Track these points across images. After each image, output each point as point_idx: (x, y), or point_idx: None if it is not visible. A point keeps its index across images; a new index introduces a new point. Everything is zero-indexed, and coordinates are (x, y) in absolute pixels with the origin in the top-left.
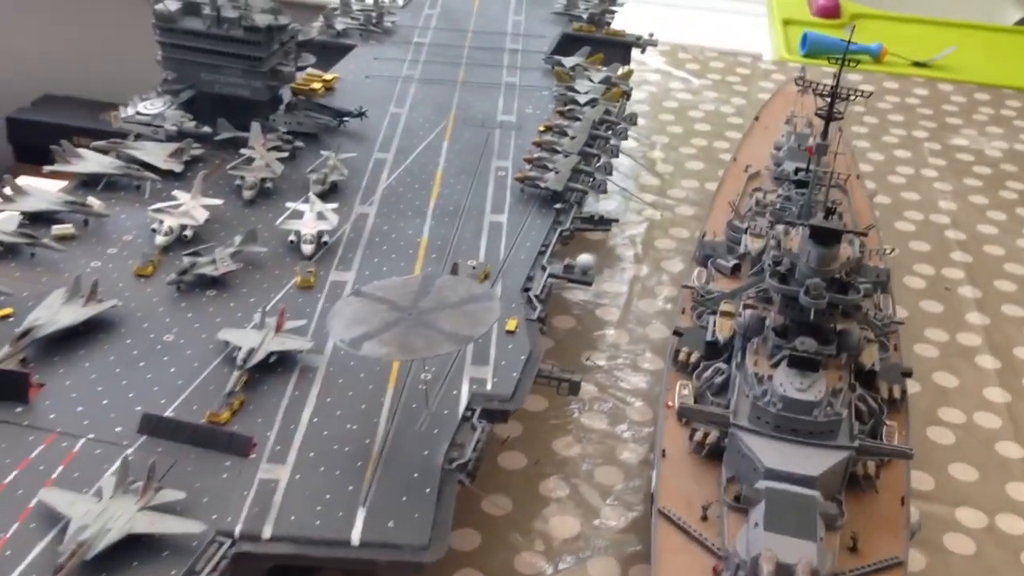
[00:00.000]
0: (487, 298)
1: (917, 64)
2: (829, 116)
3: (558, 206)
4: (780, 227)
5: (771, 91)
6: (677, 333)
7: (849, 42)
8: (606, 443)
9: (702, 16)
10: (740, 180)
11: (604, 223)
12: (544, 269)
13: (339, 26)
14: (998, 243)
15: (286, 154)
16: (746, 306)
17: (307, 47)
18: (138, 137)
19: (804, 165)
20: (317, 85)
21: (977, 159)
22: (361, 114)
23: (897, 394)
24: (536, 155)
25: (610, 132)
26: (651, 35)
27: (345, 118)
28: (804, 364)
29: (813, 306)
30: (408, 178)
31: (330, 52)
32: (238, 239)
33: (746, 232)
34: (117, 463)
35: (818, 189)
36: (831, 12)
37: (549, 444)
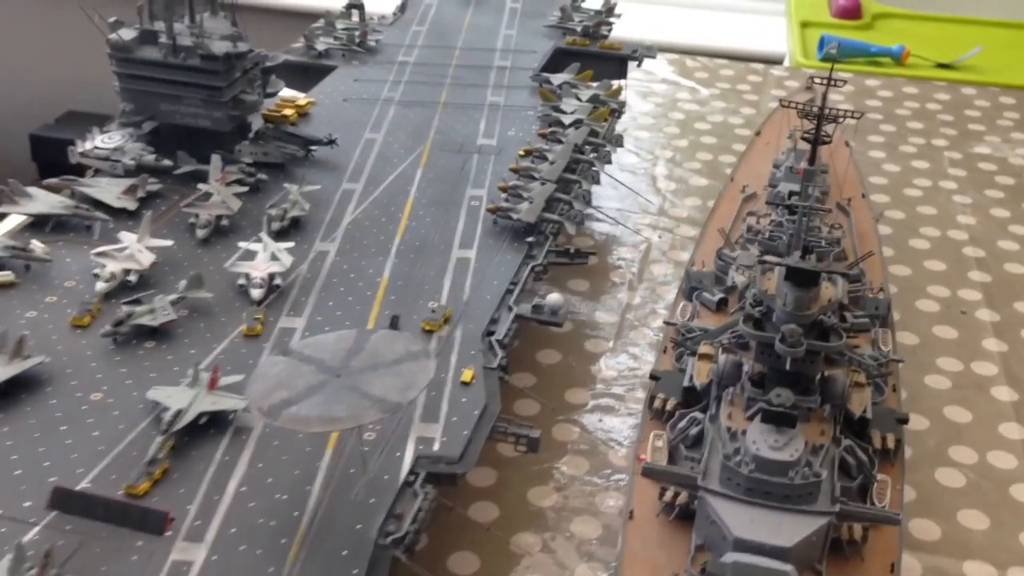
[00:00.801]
0: (423, 356)
1: (940, 66)
2: (816, 140)
3: (530, 239)
4: (758, 265)
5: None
6: (654, 377)
7: (830, 55)
8: (585, 492)
9: (716, 17)
10: (735, 203)
11: (580, 256)
12: (511, 310)
13: (320, 47)
14: (1019, 261)
15: (246, 188)
16: (724, 350)
17: (286, 70)
18: (96, 172)
19: (799, 188)
20: (289, 111)
21: (1000, 168)
22: (331, 142)
23: (891, 443)
24: (511, 183)
25: (595, 155)
26: (649, 47)
27: (313, 147)
28: (780, 419)
29: (790, 355)
30: (375, 211)
31: (311, 74)
32: (183, 284)
33: (734, 263)
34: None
35: (811, 216)
36: (852, 12)
37: (524, 494)
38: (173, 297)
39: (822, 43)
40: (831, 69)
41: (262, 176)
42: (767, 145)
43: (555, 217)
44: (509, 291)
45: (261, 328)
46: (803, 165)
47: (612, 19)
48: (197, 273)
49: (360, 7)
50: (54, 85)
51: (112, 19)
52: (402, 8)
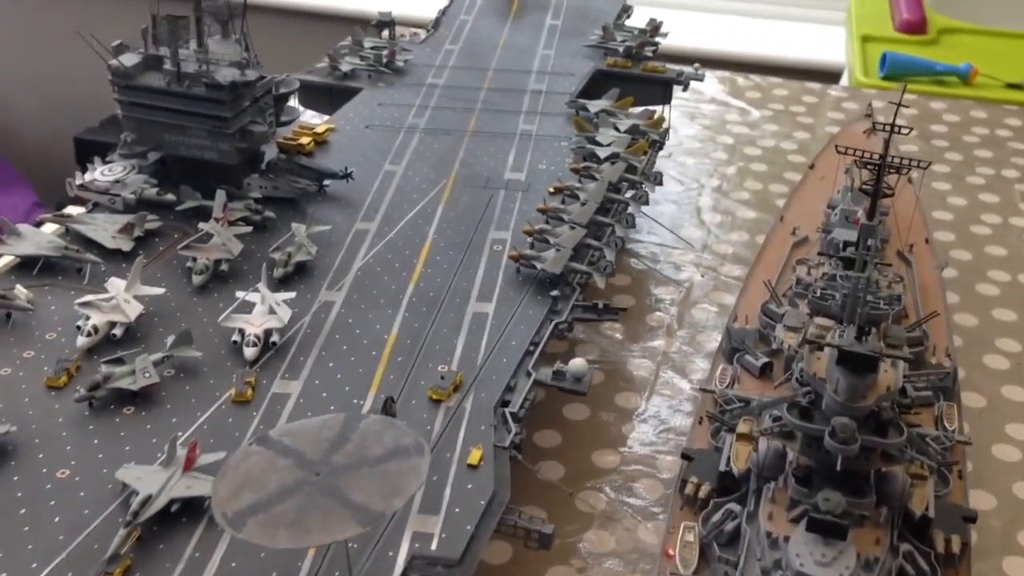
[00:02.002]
0: (415, 452)
1: (1011, 86)
2: (876, 193)
3: (554, 293)
4: (806, 346)
5: (840, 124)
6: (686, 457)
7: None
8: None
9: (772, 26)
10: (784, 247)
11: (610, 312)
12: (529, 376)
13: (345, 67)
14: None
15: (249, 229)
16: (763, 434)
17: (310, 91)
18: (95, 207)
19: (855, 238)
20: (306, 140)
21: None
22: (347, 175)
23: (957, 547)
24: (538, 227)
25: (632, 192)
26: (697, 67)
27: (327, 181)
28: (828, 529)
29: (841, 452)
30: (389, 255)
31: (335, 96)
32: (171, 340)
33: (781, 320)
34: None
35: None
36: (916, 27)
37: (542, 574)
38: (158, 356)
39: (884, 60)
40: (895, 114)
41: (269, 214)
42: (822, 180)
43: (583, 268)
44: (529, 352)
45: (252, 394)
46: (860, 215)
47: (658, 39)
48: (186, 329)
49: (390, 24)
50: (99, 88)
51: (116, 43)
52: (436, 24)
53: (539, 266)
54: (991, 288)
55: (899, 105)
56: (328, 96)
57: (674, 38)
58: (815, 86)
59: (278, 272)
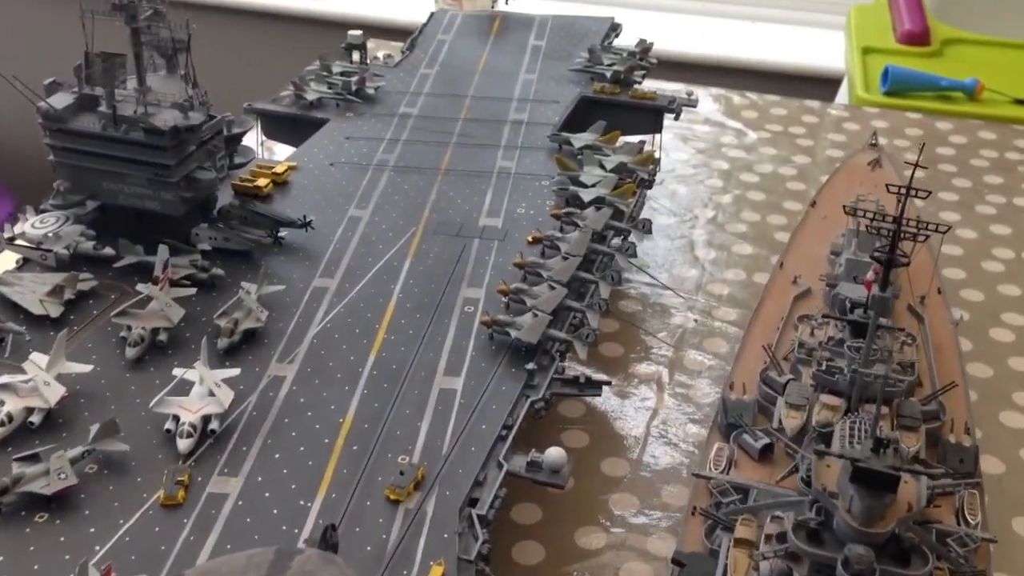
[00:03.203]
0: None
1: (1019, 102)
2: (889, 262)
3: (530, 366)
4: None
5: (841, 146)
6: (677, 563)
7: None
8: None
9: (769, 30)
10: (785, 299)
11: (594, 386)
12: (500, 466)
13: (311, 95)
14: None
15: (193, 291)
16: (766, 557)
17: (274, 122)
18: (25, 263)
19: (863, 298)
20: (264, 181)
21: None
22: (305, 224)
23: None
24: (514, 286)
25: (618, 240)
26: (690, 94)
27: (282, 233)
28: None
29: None
30: (349, 318)
31: (300, 127)
32: (94, 430)
33: (783, 393)
34: None
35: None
36: (919, 38)
37: None
38: (77, 452)
39: (886, 75)
40: (911, 176)
41: (217, 271)
42: (824, 220)
43: (563, 336)
44: (501, 437)
45: (184, 495)
46: (870, 276)
47: (647, 62)
48: (111, 419)
49: (361, 47)
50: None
51: (48, 80)
52: (411, 45)
53: (514, 334)
54: (1006, 334)
55: (916, 166)
56: (293, 127)
57: (665, 44)
58: (814, 104)
59: (223, 343)
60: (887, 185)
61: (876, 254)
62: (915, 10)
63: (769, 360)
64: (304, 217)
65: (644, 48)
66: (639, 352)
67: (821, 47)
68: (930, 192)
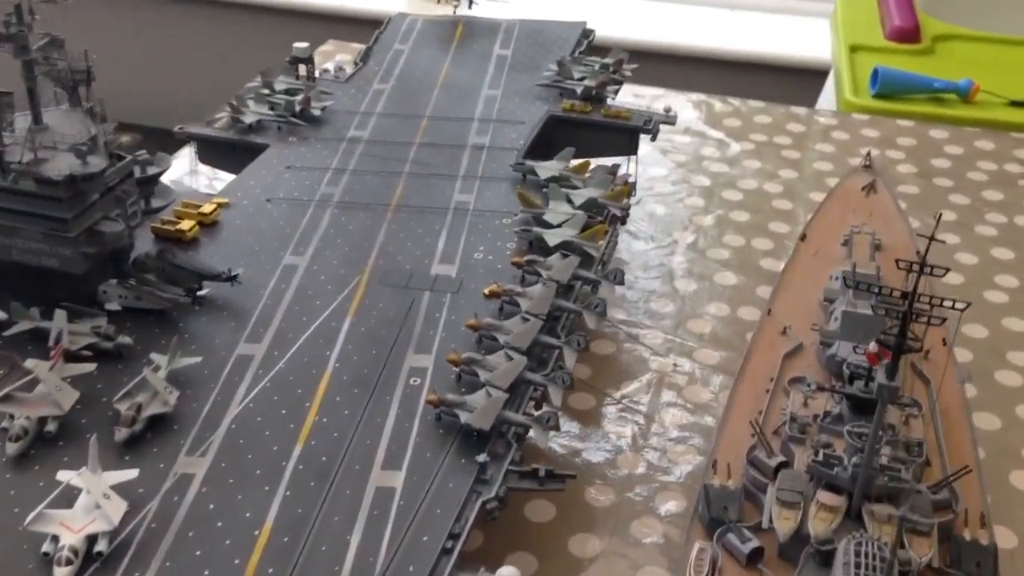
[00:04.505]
0: None
1: (1015, 104)
2: (900, 347)
3: (482, 458)
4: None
5: (830, 158)
6: None
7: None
8: None
9: (751, 19)
10: (774, 355)
11: (555, 480)
12: None
13: (249, 118)
14: None
15: (92, 367)
16: None
17: (210, 147)
18: None
19: (864, 365)
20: (187, 224)
21: None
22: (231, 279)
23: None
24: (466, 355)
25: (589, 291)
26: (668, 110)
27: (203, 290)
28: None
29: None
30: (275, 396)
31: (240, 153)
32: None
33: (773, 478)
34: None
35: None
36: (909, 35)
37: None
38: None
39: (875, 76)
40: (926, 250)
41: (124, 339)
42: (815, 256)
43: (520, 419)
44: (447, 551)
45: None
46: (872, 348)
47: (621, 75)
48: None
49: (308, 61)
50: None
51: None
52: (365, 56)
53: (464, 419)
54: (1013, 377)
55: (931, 239)
56: (232, 152)
57: (639, 34)
58: (800, 111)
59: (122, 434)
60: (897, 261)
61: (883, 339)
62: (904, 4)
63: (757, 437)
64: (229, 270)
65: (618, 60)
66: (611, 405)
67: (804, 36)
68: (948, 270)
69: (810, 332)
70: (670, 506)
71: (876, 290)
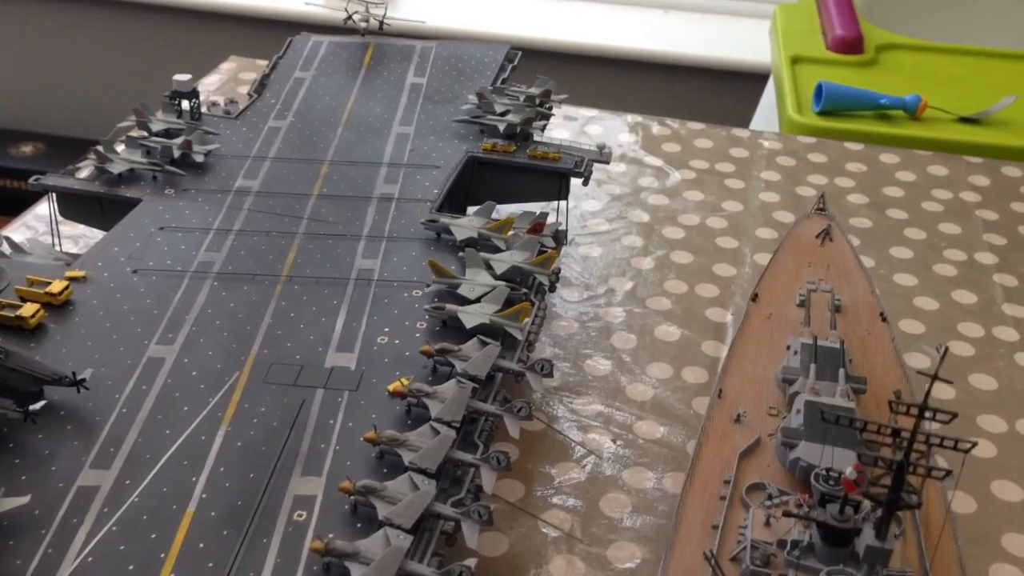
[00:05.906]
0: None
1: (964, 120)
2: (893, 503)
3: None
4: None
5: (775, 188)
6: None
7: None
8: None
9: (686, 20)
10: (727, 452)
11: None
12: None
13: (118, 167)
14: None
15: None
16: None
17: (72, 203)
18: None
19: (838, 483)
20: (30, 309)
21: None
22: (76, 383)
23: None
24: (361, 483)
25: (507, 403)
26: (603, 147)
27: (36, 404)
28: None
29: None
30: (122, 543)
31: (109, 208)
32: None
33: None
34: None
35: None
36: (852, 46)
37: None
38: None
39: (819, 92)
40: (927, 393)
41: None
42: (768, 320)
43: (424, 571)
44: None
45: None
46: (850, 473)
47: (548, 108)
48: None
49: (191, 95)
50: None
51: None
52: (260, 86)
53: (355, 573)
54: (986, 448)
55: (935, 378)
56: (99, 207)
57: (563, 34)
58: (743, 134)
59: None
60: (890, 402)
61: (870, 492)
62: (846, 13)
63: (712, 560)
64: (74, 374)
65: (544, 91)
66: (541, 491)
67: (743, 39)
68: (955, 415)
69: (767, 418)
70: None
71: (859, 426)
